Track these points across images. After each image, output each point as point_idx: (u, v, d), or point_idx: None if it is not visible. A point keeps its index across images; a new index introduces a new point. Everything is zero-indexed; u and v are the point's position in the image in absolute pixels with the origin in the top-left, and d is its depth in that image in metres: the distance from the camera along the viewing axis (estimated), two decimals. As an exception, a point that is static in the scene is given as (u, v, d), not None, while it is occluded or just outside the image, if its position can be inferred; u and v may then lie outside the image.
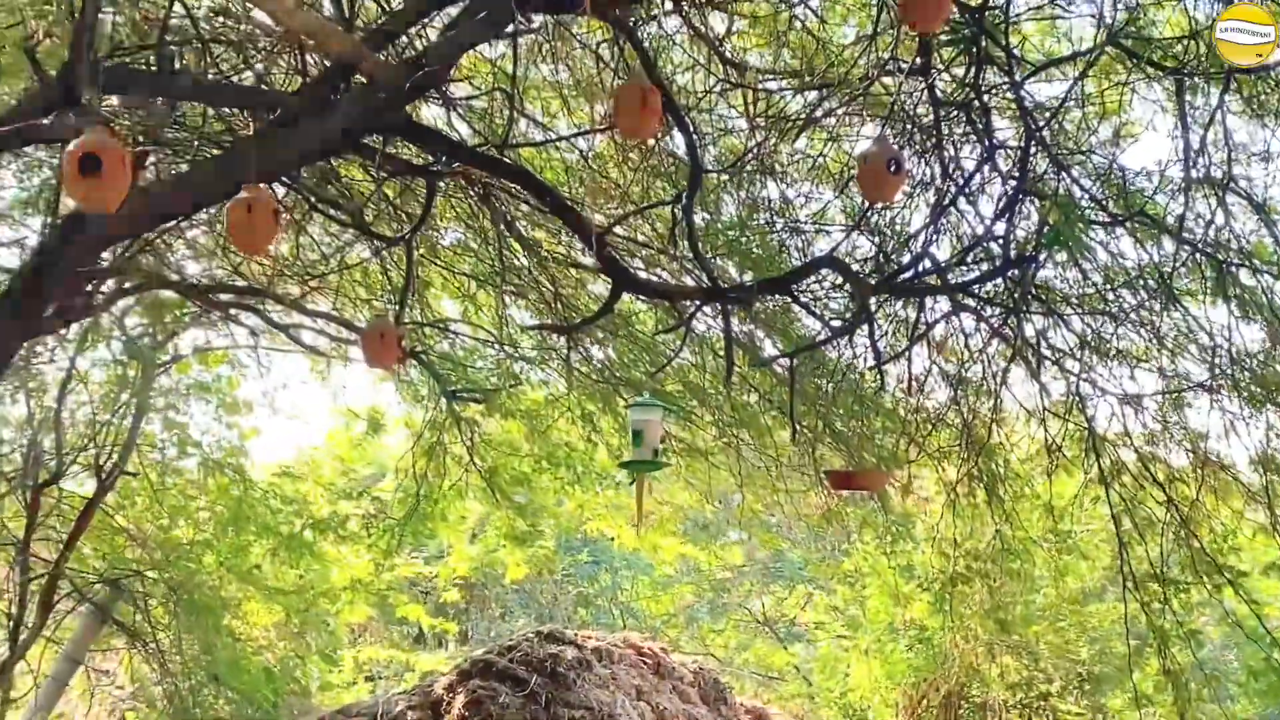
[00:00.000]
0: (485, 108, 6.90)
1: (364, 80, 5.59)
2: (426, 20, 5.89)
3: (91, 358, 11.29)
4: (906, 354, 6.84)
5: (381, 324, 6.29)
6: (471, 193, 7.32)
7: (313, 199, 6.85)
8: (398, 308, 6.88)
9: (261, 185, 4.88)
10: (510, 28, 5.48)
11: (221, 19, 6.41)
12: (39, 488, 10.72)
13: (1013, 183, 6.52)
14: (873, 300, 6.95)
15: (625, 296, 6.85)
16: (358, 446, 14.43)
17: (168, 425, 12.47)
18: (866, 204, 6.61)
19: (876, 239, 6.91)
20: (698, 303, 6.25)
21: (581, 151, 7.15)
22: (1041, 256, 6.60)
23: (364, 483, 12.70)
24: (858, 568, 10.63)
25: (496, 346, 8.92)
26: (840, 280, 6.65)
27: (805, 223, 6.94)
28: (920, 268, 6.62)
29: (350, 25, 5.76)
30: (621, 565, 19.33)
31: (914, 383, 6.87)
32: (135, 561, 11.54)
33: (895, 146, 5.81)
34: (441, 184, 6.88)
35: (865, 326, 6.60)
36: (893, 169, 5.41)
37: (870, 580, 10.73)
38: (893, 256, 6.84)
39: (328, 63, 5.74)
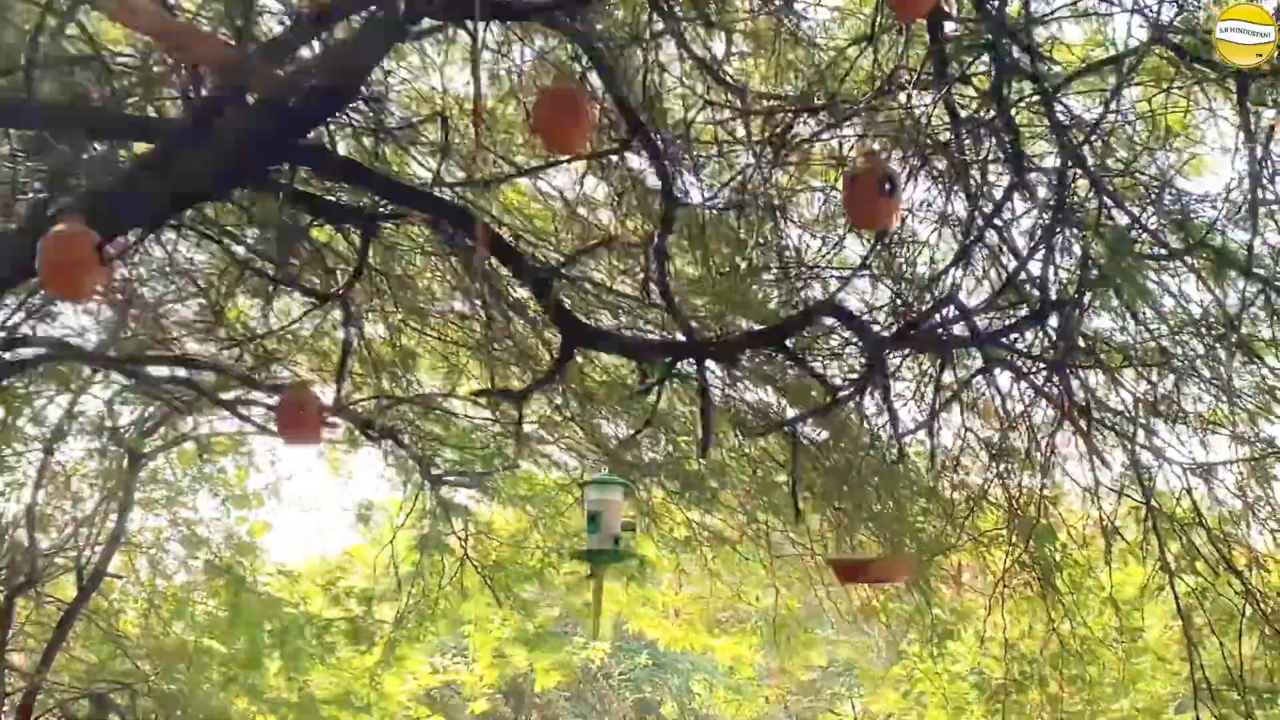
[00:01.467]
0: (441, 141, 6.09)
1: (258, 99, 4.85)
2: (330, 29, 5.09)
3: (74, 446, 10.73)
4: (935, 420, 5.91)
5: (299, 394, 5.53)
6: (450, 248, 6.51)
7: (237, 256, 6.07)
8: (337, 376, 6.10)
9: (77, 217, 4.10)
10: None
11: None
12: (14, 592, 10.04)
13: (1049, 212, 5.62)
14: (893, 356, 6.10)
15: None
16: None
17: (173, 522, 11.83)
18: (873, 239, 5.73)
19: (893, 283, 6.01)
20: (669, 360, 5.36)
21: (558, 191, 6.32)
22: (1086, 299, 5.67)
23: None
24: (909, 672, 9.63)
25: (490, 424, 8.08)
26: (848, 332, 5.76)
27: (815, 267, 6.04)
28: (944, 315, 5.73)
29: (241, 35, 4.99)
30: (688, 668, 18.30)
31: (934, 454, 5.91)
32: (124, 674, 10.74)
33: (888, 162, 4.94)
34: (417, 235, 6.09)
35: (881, 388, 5.73)
36: (886, 189, 4.58)
37: (922, 686, 9.70)
38: (912, 303, 5.94)
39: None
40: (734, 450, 7.73)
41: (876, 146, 5.30)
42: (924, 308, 5.81)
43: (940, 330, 5.78)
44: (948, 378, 6.19)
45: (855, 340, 5.71)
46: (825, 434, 7.21)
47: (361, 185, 5.52)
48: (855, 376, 5.80)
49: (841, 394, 5.67)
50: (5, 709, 10.22)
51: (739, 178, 5.88)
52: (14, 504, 10.32)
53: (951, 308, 5.69)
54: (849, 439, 6.85)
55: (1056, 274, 5.61)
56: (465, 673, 15.56)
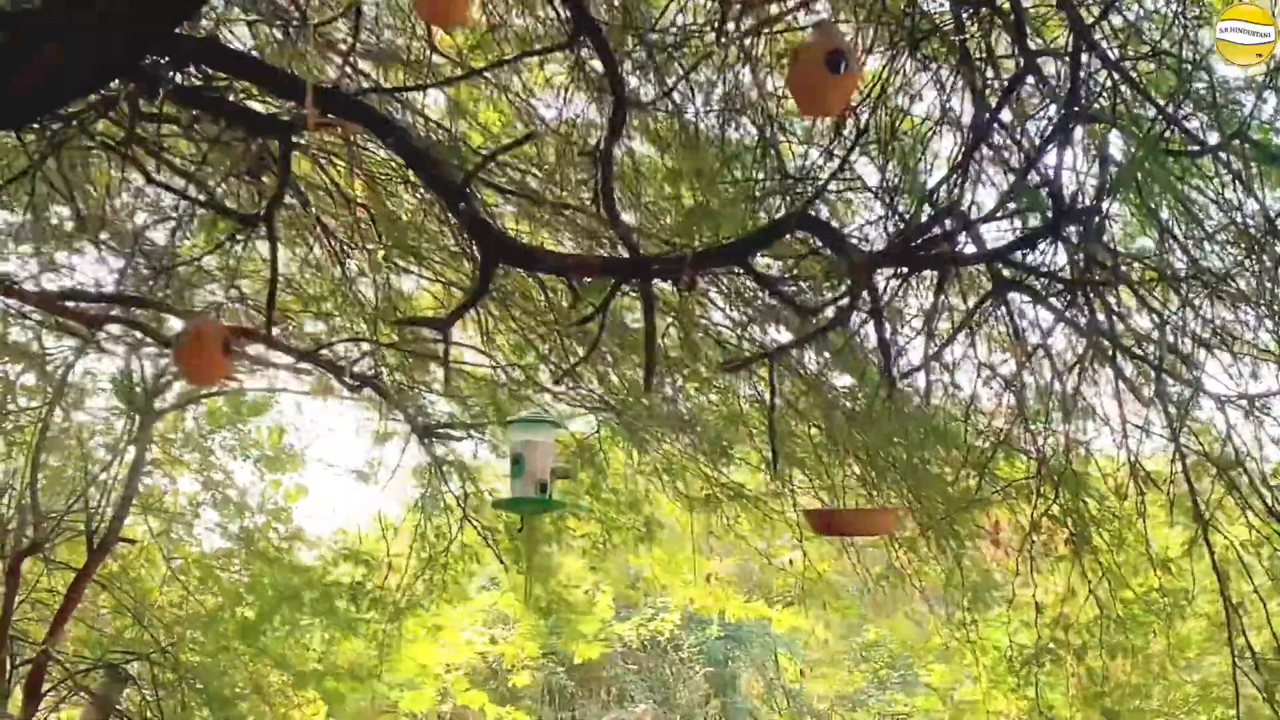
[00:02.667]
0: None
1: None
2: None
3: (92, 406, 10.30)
4: (928, 351, 5.20)
5: (199, 325, 4.94)
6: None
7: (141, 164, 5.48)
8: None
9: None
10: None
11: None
12: (19, 556, 9.61)
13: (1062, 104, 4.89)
14: (892, 280, 5.39)
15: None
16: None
17: (207, 485, 11.37)
18: (853, 134, 5.03)
19: (885, 193, 5.30)
20: (613, 282, 4.68)
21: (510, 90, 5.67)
22: (1107, 205, 4.93)
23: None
24: (945, 642, 8.87)
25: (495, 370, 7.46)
26: (825, 248, 5.05)
27: (795, 178, 5.34)
28: (945, 228, 5.02)
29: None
30: (767, 640, 17.60)
31: (928, 391, 5.20)
32: (141, 643, 10.30)
33: (840, 34, 4.22)
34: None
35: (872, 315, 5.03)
36: (836, 66, 3.90)
37: (965, 656, 8.89)
38: (907, 216, 5.23)
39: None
40: (753, 399, 7.09)
41: (827, 14, 4.57)
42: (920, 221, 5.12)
43: (939, 246, 5.07)
44: (955, 304, 5.50)
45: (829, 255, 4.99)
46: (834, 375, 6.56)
47: (265, 81, 4.88)
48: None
49: (819, 321, 4.98)
50: (14, 679, 9.85)
51: (707, 73, 5.22)
52: (20, 463, 9.90)
53: (951, 219, 4.99)
54: (856, 379, 6.18)
55: (1076, 178, 4.89)
56: (506, 644, 14.95)
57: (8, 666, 9.73)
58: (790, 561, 8.35)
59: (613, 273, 4.74)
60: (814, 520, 5.25)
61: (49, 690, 10.10)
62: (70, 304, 6.69)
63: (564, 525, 8.67)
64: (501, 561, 8.64)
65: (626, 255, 4.73)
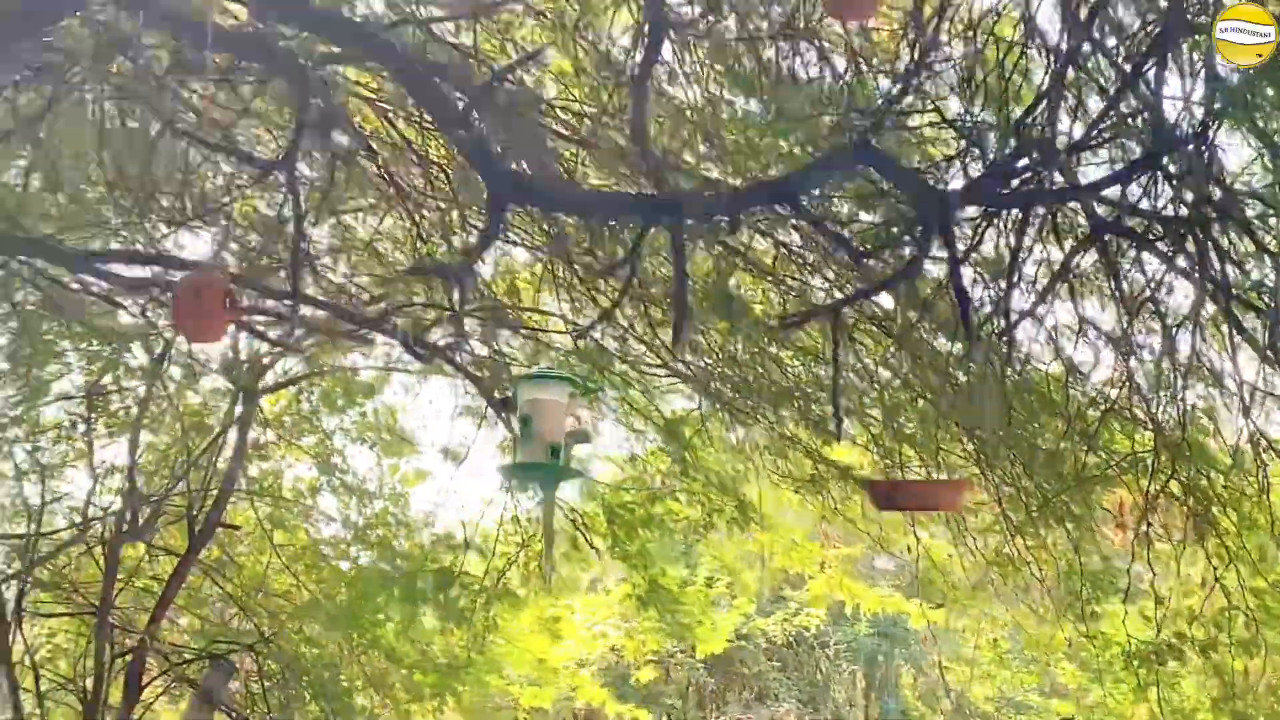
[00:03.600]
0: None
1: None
2: None
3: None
4: (1008, 301, 4.64)
5: (201, 278, 4.56)
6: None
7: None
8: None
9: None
10: None
11: None
12: (118, 541, 9.38)
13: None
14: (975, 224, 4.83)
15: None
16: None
17: (324, 469, 11.06)
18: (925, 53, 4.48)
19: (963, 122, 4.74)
20: (642, 224, 4.18)
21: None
22: (1214, 131, 4.34)
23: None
24: (1069, 638, 8.16)
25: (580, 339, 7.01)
26: (889, 186, 4.52)
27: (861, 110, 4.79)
28: (1031, 160, 4.46)
29: None
30: (924, 638, 16.89)
31: (1010, 347, 4.61)
32: (246, 634, 10.03)
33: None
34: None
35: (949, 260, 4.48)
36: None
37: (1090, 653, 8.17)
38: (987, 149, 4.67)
39: None
40: (858, 369, 6.54)
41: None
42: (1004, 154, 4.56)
43: (1026, 182, 4.52)
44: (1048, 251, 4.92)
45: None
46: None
47: None
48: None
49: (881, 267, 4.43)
50: (115, 669, 9.62)
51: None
52: (121, 446, 9.68)
53: (1037, 152, 4.43)
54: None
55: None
56: (628, 639, 14.44)
57: (108, 656, 9.48)
58: (908, 549, 7.76)
59: (638, 212, 4.25)
60: (874, 493, 4.71)
61: (150, 682, 9.83)
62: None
63: (665, 509, 8.19)
64: (592, 546, 8.18)
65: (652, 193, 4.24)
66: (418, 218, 6.45)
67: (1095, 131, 4.53)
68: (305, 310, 6.59)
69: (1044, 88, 4.54)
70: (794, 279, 5.77)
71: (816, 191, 4.49)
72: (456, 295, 4.93)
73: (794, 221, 4.90)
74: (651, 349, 7.14)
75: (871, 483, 5.41)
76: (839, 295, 5.33)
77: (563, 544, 8.25)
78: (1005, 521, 6.46)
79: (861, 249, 4.45)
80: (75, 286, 6.94)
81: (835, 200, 4.80)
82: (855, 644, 17.53)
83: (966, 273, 4.81)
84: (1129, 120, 4.53)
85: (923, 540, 7.37)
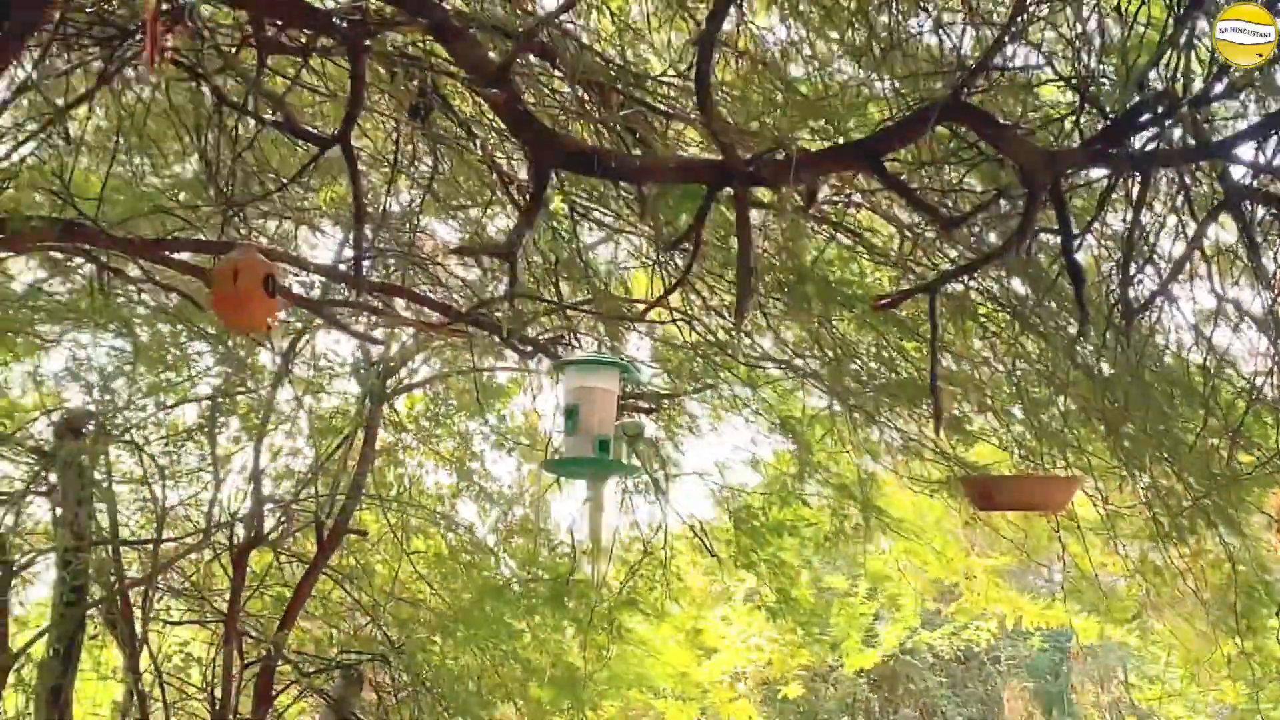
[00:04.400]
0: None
1: None
2: None
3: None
4: (1126, 274, 4.14)
5: (236, 260, 4.25)
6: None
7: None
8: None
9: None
10: None
11: None
12: (245, 548, 9.21)
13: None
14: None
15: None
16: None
17: (462, 474, 10.81)
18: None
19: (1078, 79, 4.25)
20: (708, 190, 3.77)
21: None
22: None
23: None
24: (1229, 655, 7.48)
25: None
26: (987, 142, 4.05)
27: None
28: (1153, 115, 3.97)
29: None
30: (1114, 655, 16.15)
31: (1128, 325, 4.11)
32: (378, 643, 9.79)
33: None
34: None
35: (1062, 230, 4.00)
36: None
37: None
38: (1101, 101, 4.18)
39: None
40: (981, 358, 6.07)
41: None
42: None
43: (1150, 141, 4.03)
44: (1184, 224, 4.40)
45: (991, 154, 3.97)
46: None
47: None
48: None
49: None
50: (243, 679, 9.46)
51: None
52: (249, 450, 9.49)
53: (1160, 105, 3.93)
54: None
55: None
56: (772, 652, 13.91)
57: (237, 666, 9.32)
58: (1060, 556, 7.22)
59: (696, 178, 3.83)
60: (971, 492, 4.22)
61: (280, 692, 9.66)
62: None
63: (794, 515, 7.75)
64: (712, 554, 7.76)
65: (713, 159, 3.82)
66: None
67: (1228, 83, 4.04)
68: (399, 303, 6.32)
69: (1170, 33, 4.05)
70: (912, 261, 5.32)
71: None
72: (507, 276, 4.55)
73: (881, 190, 4.44)
74: (779, 342, 6.75)
75: (967, 480, 4.92)
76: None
77: (687, 552, 7.85)
78: (1155, 526, 5.93)
79: (953, 217, 3.98)
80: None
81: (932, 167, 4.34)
82: (1030, 660, 16.85)
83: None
84: (1268, 69, 4.03)
85: (1072, 548, 6.82)
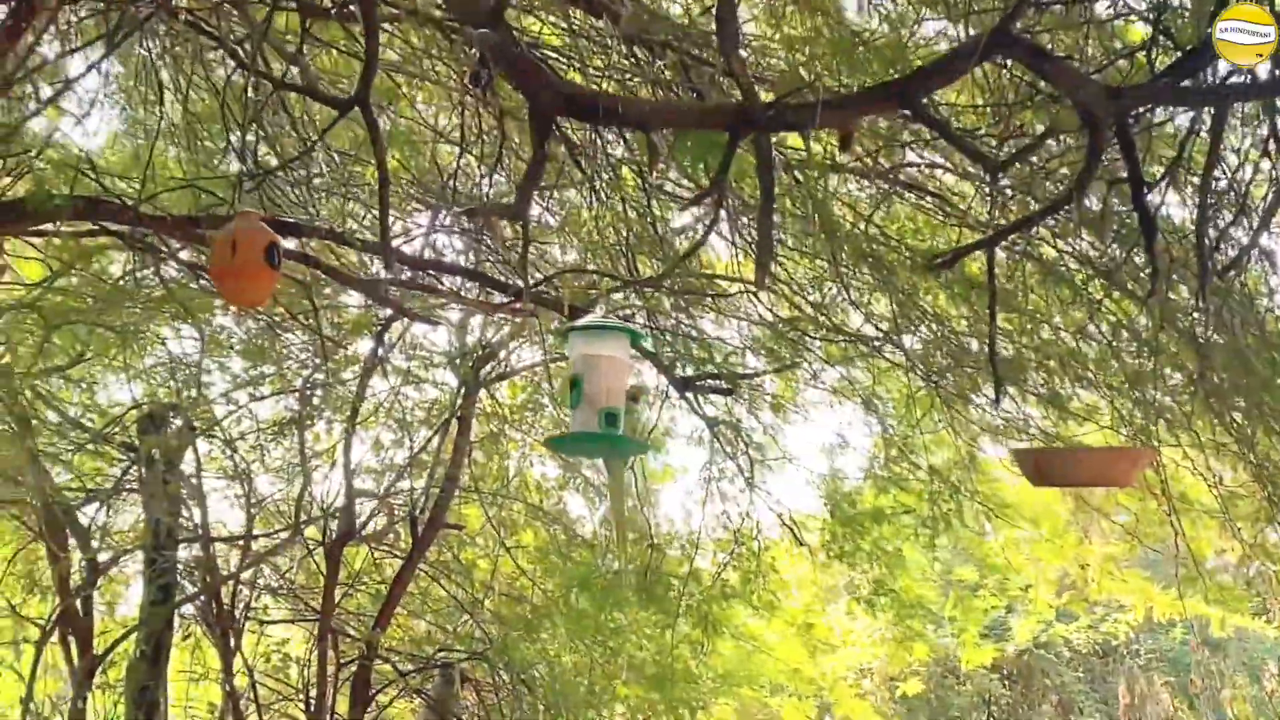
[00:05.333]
0: None
1: None
2: None
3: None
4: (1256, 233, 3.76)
5: (236, 230, 4.01)
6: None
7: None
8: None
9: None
10: None
11: None
12: (338, 543, 9.03)
13: None
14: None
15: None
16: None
17: (568, 465, 10.52)
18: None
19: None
20: (730, 137, 3.43)
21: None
22: None
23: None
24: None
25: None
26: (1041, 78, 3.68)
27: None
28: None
29: None
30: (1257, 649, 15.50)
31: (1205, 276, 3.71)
32: (477, 641, 9.58)
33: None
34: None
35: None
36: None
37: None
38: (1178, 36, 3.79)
39: None
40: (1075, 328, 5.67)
41: None
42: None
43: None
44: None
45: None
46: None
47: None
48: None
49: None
50: (339, 679, 9.29)
51: None
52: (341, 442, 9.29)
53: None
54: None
55: None
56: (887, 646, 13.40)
57: (333, 665, 9.15)
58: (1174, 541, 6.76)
59: (714, 123, 3.50)
60: (1024, 465, 3.83)
61: (377, 692, 9.47)
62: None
63: (895, 502, 7.37)
64: (801, 544, 7.40)
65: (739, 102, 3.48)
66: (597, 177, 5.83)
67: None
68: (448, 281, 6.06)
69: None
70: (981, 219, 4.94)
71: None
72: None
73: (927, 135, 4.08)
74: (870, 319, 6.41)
75: (1019, 453, 4.52)
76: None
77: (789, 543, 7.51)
78: (1271, 508, 5.50)
79: (1001, 159, 3.61)
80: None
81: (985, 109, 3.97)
82: (1172, 654, 16.23)
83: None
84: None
85: (1183, 530, 6.37)
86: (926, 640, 10.97)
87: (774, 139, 3.97)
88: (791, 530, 7.34)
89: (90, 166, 5.06)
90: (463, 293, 6.24)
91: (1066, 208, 3.79)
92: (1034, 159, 3.93)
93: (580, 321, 3.54)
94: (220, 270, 4.00)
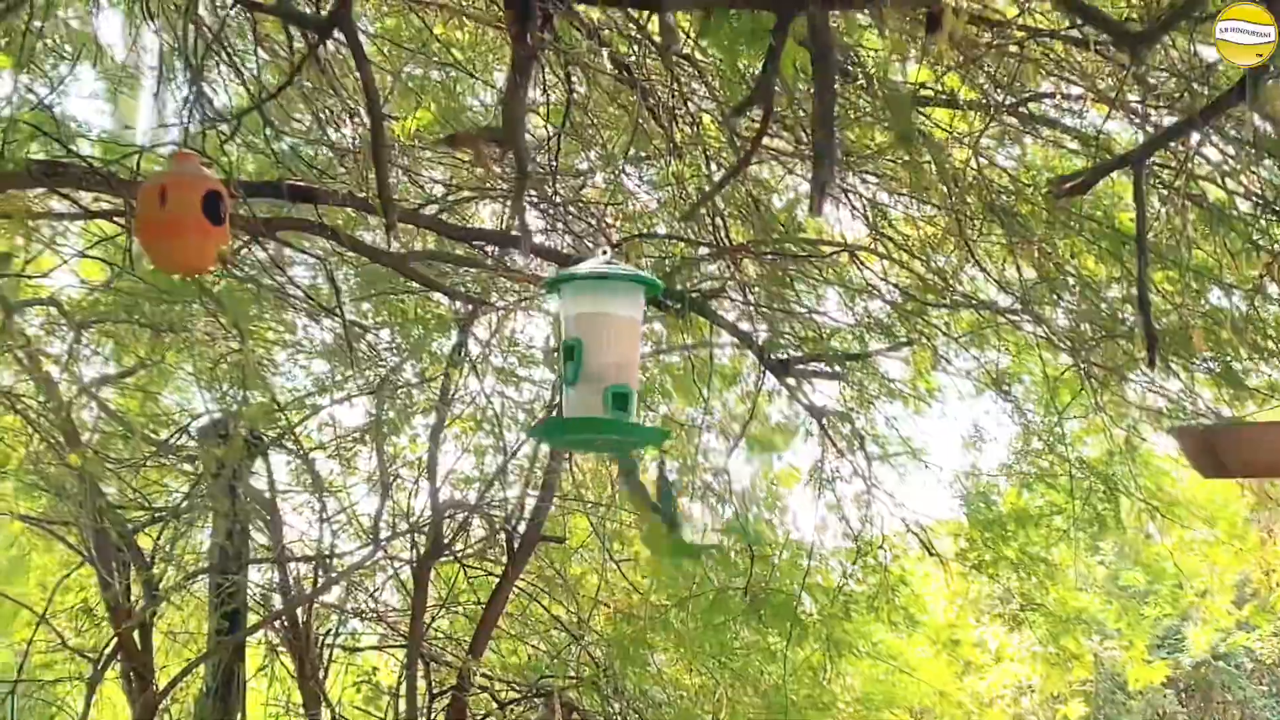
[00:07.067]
0: None
1: None
2: None
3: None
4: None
5: (169, 177, 3.26)
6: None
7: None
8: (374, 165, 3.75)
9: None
10: None
11: None
12: (426, 561, 8.35)
13: None
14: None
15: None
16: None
17: (683, 470, 9.74)
18: None
19: None
20: (778, 20, 2.60)
21: None
22: None
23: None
24: None
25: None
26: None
27: None
28: None
29: None
30: None
31: None
32: (583, 664, 8.88)
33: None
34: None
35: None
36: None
37: None
38: None
39: None
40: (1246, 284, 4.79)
41: None
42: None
43: None
44: None
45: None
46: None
47: None
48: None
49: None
50: (433, 710, 8.61)
51: None
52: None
53: None
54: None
55: None
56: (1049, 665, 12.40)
57: (425, 694, 8.48)
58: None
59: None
60: (1189, 449, 2.97)
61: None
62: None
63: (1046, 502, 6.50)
64: (932, 553, 6.54)
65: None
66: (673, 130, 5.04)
67: None
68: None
69: None
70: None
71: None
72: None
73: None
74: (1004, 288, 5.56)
75: (1182, 432, 3.64)
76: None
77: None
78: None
79: (1141, 31, 2.74)
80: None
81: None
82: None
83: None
84: None
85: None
86: (1084, 662, 10.05)
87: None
88: (919, 537, 6.51)
89: (52, 123, 4.34)
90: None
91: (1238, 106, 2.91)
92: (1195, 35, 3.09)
93: (575, 269, 2.69)
94: (147, 226, 3.23)
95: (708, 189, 4.70)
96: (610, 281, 2.64)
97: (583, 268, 2.67)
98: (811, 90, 3.84)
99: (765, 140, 5.15)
